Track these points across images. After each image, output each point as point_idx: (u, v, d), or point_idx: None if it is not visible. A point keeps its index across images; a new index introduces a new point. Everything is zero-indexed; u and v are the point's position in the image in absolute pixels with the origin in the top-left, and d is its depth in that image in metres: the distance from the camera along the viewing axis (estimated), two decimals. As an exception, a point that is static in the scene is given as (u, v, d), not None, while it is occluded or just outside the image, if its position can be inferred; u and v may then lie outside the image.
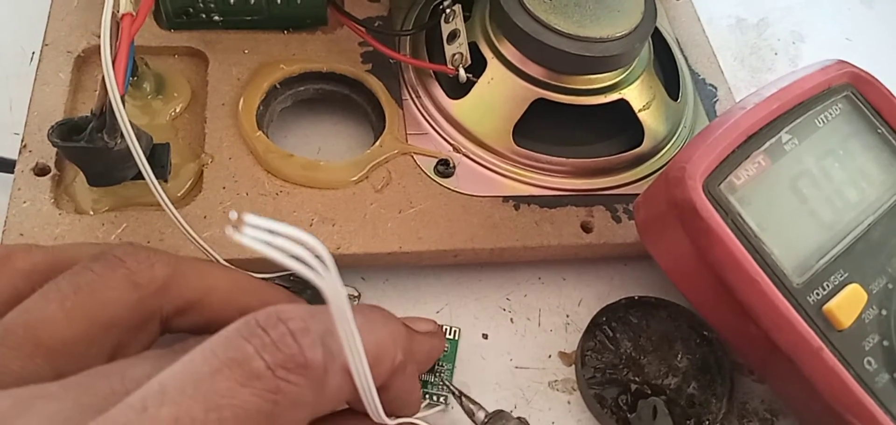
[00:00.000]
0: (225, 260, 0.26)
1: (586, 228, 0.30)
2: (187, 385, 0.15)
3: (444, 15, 0.33)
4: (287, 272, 0.29)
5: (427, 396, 0.27)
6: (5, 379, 0.17)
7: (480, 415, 0.26)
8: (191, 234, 0.25)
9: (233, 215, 0.14)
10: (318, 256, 0.15)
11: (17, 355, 0.18)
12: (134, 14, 0.23)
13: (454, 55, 0.32)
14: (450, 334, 0.29)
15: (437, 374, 0.28)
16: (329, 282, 0.15)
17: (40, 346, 0.18)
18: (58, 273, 0.20)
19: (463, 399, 0.27)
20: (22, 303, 0.19)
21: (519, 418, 0.26)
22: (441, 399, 0.28)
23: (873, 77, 0.29)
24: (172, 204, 0.24)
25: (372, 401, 0.19)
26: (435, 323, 0.27)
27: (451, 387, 0.27)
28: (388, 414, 0.21)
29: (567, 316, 0.31)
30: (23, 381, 0.17)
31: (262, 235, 0.14)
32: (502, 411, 0.26)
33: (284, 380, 0.16)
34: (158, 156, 0.27)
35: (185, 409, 0.15)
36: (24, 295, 0.19)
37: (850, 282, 0.25)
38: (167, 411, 0.15)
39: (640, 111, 0.32)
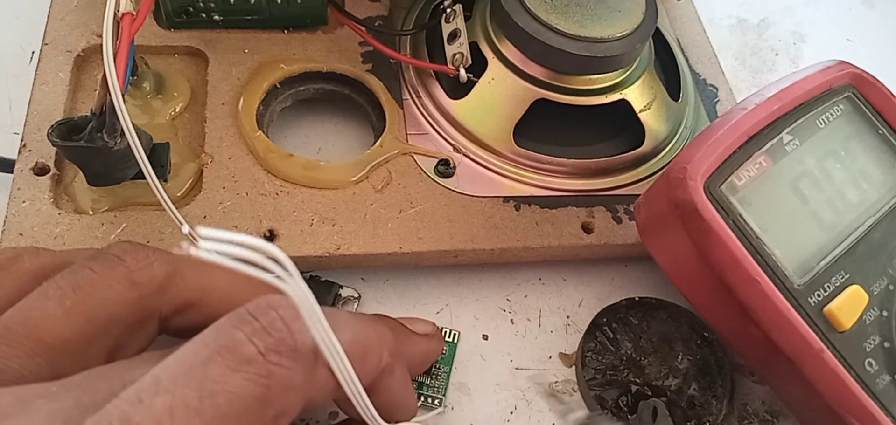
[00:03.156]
0: (225, 260, 0.26)
1: (587, 229, 0.30)
2: (180, 375, 0.16)
3: (444, 15, 0.33)
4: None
5: (422, 397, 0.27)
6: (5, 377, 0.17)
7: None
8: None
9: (185, 229, 0.15)
10: (277, 261, 0.15)
11: (17, 353, 0.18)
12: (134, 13, 0.23)
13: (455, 55, 0.31)
14: (449, 337, 0.29)
15: (435, 376, 0.28)
16: (293, 285, 0.16)
17: (40, 344, 0.18)
18: None
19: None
20: (22, 300, 0.19)
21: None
22: (437, 401, 0.27)
23: (874, 78, 0.29)
24: (172, 203, 0.24)
25: (356, 393, 0.19)
26: (433, 324, 0.27)
27: (593, 415, 0.27)
28: (385, 420, 0.21)
29: (567, 316, 0.31)
30: (22, 379, 0.17)
31: (218, 246, 0.14)
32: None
33: (275, 364, 0.16)
34: (158, 155, 0.27)
35: (179, 398, 0.15)
36: None
37: (852, 284, 0.25)
38: (162, 400, 0.15)
39: (640, 111, 0.32)
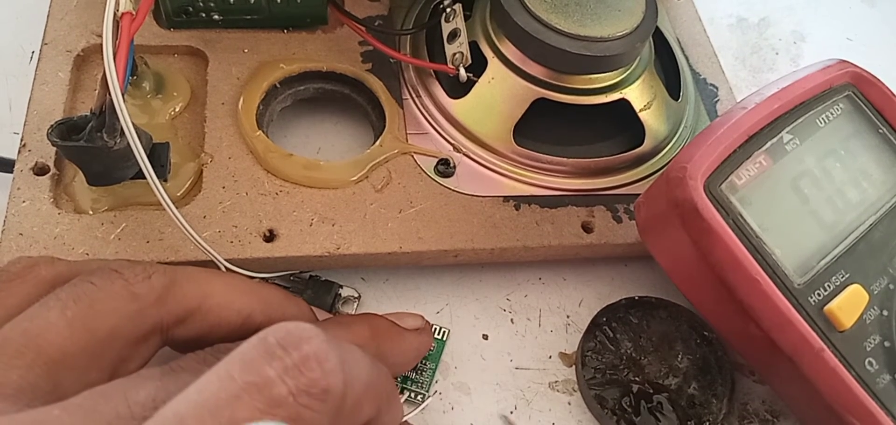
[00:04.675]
0: (225, 260, 0.26)
1: (587, 228, 0.30)
2: (205, 413, 0.15)
3: (444, 14, 0.33)
4: (286, 273, 0.29)
5: (407, 392, 0.27)
6: (4, 391, 0.17)
7: None
8: (191, 234, 0.25)
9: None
10: None
11: (17, 364, 0.17)
12: (133, 13, 0.23)
13: (455, 54, 0.31)
14: (438, 334, 0.29)
15: (420, 372, 0.28)
16: None
17: (40, 355, 0.17)
18: None
19: None
20: (23, 312, 0.18)
21: None
22: (420, 396, 0.28)
23: (875, 77, 0.29)
24: (172, 203, 0.24)
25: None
26: (423, 318, 0.27)
27: None
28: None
29: (567, 316, 0.31)
30: (21, 392, 0.17)
31: None
32: None
33: (305, 407, 0.16)
34: (158, 155, 0.27)
35: None
36: None
37: (852, 283, 0.25)
38: None
39: (641, 111, 0.32)
